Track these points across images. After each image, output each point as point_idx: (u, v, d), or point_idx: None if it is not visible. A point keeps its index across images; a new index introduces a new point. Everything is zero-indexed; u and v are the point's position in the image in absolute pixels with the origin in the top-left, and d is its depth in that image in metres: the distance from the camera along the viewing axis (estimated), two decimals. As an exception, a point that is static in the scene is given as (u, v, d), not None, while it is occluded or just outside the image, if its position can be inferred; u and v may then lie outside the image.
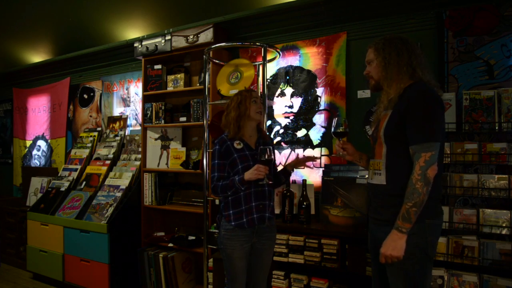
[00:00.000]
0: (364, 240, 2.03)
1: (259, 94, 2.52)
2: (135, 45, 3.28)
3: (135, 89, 3.78)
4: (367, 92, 2.55)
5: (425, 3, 2.37)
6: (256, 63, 2.75)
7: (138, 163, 3.35)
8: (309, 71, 2.79)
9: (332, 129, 1.75)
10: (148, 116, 3.23)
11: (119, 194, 3.14)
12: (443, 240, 1.99)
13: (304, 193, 2.44)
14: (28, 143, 4.90)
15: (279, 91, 2.92)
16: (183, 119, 3.09)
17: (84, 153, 3.78)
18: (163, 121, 3.16)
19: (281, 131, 2.89)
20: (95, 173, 3.47)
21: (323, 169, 2.57)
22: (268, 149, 1.78)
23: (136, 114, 3.78)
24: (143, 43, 3.22)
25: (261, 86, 2.53)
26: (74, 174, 3.63)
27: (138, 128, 3.69)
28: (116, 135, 3.72)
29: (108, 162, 3.50)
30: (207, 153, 2.61)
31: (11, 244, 3.99)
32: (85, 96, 4.23)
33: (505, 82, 2.13)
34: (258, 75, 2.75)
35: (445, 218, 1.99)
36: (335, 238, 2.24)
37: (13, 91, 5.07)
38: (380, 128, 1.54)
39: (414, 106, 1.42)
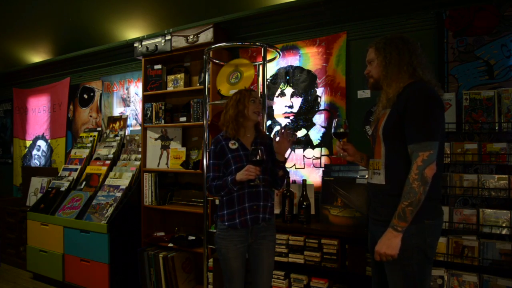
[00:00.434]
0: (364, 240, 2.02)
1: (259, 95, 2.52)
2: (135, 45, 3.28)
3: (135, 89, 3.78)
4: (367, 92, 2.55)
5: (425, 3, 2.37)
6: (256, 63, 2.75)
7: (138, 163, 3.35)
8: (309, 71, 2.79)
9: (332, 130, 1.75)
10: (148, 116, 3.23)
11: (119, 194, 3.14)
12: (443, 240, 1.99)
13: (304, 193, 2.44)
14: (28, 143, 4.90)
15: (279, 91, 2.92)
16: (183, 119, 3.09)
17: (84, 153, 3.78)
18: (163, 121, 3.16)
19: (281, 131, 2.89)
20: (95, 173, 3.47)
21: (323, 169, 2.57)
22: (259, 150, 1.76)
23: (136, 114, 3.78)
24: (143, 43, 3.22)
25: (261, 86, 2.53)
26: (74, 174, 3.63)
27: (138, 128, 3.69)
28: (116, 135, 3.72)
29: (108, 162, 3.50)
30: (207, 153, 2.60)
31: (11, 244, 3.99)
32: (85, 96, 4.23)
33: (505, 82, 2.13)
34: (258, 75, 2.75)
35: (445, 218, 1.99)
36: (335, 238, 2.24)
37: (13, 91, 5.07)
38: (379, 127, 1.54)
39: (413, 105, 1.42)
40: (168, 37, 3.09)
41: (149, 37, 3.26)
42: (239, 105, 1.91)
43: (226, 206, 1.91)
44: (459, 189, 2.02)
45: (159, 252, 3.03)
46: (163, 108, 3.16)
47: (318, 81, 2.75)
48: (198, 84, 3.24)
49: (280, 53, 2.65)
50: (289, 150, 2.83)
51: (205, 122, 2.64)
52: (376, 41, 1.60)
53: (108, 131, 3.82)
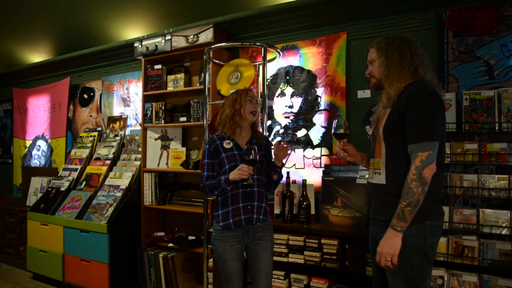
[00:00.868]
0: (364, 240, 2.03)
1: (259, 95, 2.52)
2: (135, 45, 3.28)
3: (135, 89, 3.78)
4: (367, 92, 2.55)
5: (425, 3, 2.37)
6: (256, 63, 2.75)
7: (138, 163, 3.35)
8: (309, 71, 2.79)
9: (333, 131, 1.75)
10: (148, 116, 3.23)
11: (119, 194, 3.15)
12: (443, 240, 1.99)
13: (304, 193, 2.44)
14: (28, 143, 4.90)
15: (279, 91, 2.92)
16: (183, 119, 3.09)
17: (84, 153, 3.78)
18: (163, 121, 3.16)
19: (281, 131, 2.89)
20: (95, 173, 3.47)
21: (323, 169, 2.57)
22: (252, 150, 1.76)
23: (136, 114, 3.78)
24: (143, 43, 3.22)
25: (261, 86, 2.53)
26: (74, 174, 3.63)
27: (138, 128, 3.69)
28: (116, 135, 3.72)
29: (108, 162, 3.50)
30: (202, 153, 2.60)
31: (11, 244, 3.99)
32: (85, 96, 4.23)
33: (505, 82, 2.13)
34: (258, 75, 2.75)
35: (445, 218, 1.99)
36: (335, 238, 2.24)
37: (13, 91, 5.07)
38: (379, 127, 1.54)
39: (413, 105, 1.41)
40: (168, 37, 3.09)
41: (149, 37, 3.26)
42: (236, 104, 1.91)
43: (220, 206, 1.92)
44: (459, 189, 2.02)
45: (159, 252, 3.03)
46: (163, 108, 3.16)
47: (318, 81, 2.75)
48: (198, 84, 3.24)
49: (280, 53, 2.65)
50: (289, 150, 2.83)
51: (205, 122, 2.64)
52: (377, 41, 1.59)
53: (108, 131, 3.82)
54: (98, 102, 4.10)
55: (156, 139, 3.32)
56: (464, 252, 1.95)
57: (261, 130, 2.27)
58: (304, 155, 2.78)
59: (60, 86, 4.49)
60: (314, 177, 2.70)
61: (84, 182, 3.48)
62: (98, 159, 3.62)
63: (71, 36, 4.17)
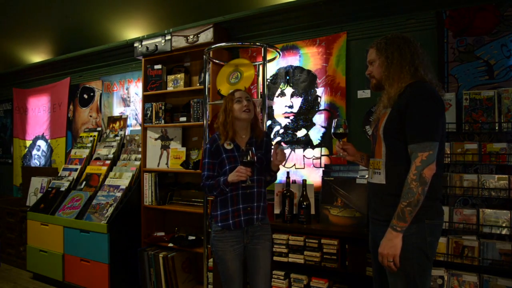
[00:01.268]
0: (364, 240, 2.03)
1: (260, 95, 2.52)
2: (135, 45, 3.28)
3: (135, 89, 3.78)
4: (367, 92, 2.55)
5: (425, 3, 2.37)
6: (256, 63, 2.75)
7: (138, 163, 3.35)
8: (309, 71, 2.79)
9: (332, 130, 1.75)
10: (148, 116, 3.23)
11: (119, 194, 3.15)
12: (443, 240, 1.99)
13: (304, 193, 2.44)
14: (28, 143, 4.90)
15: (279, 91, 2.92)
16: (183, 119, 3.09)
17: (84, 153, 3.78)
18: (163, 121, 3.16)
19: (281, 131, 2.89)
20: (95, 173, 3.47)
21: (323, 169, 2.57)
22: (250, 151, 1.76)
23: (136, 114, 3.78)
24: (143, 43, 3.22)
25: (261, 86, 2.53)
26: (74, 174, 3.63)
27: (138, 128, 3.69)
28: (116, 135, 3.72)
29: (108, 162, 3.50)
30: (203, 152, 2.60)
31: (11, 244, 3.99)
32: (85, 96, 4.23)
33: (505, 82, 2.13)
34: (258, 75, 2.75)
35: (445, 218, 1.99)
36: (335, 238, 2.24)
37: (13, 91, 5.07)
38: (379, 127, 1.54)
39: (413, 105, 1.41)
40: (168, 37, 3.09)
41: (149, 37, 3.26)
42: (226, 111, 1.94)
43: (220, 206, 1.91)
44: (459, 189, 2.02)
45: (159, 252, 3.03)
46: (163, 108, 3.16)
47: (318, 81, 2.75)
48: (198, 84, 3.24)
49: (280, 53, 2.65)
50: (289, 150, 2.83)
51: (205, 122, 2.64)
52: (377, 41, 1.59)
53: (108, 131, 3.82)
54: (98, 102, 4.10)
55: (156, 139, 3.32)
56: (464, 252, 1.95)
57: (261, 128, 2.23)
58: (304, 155, 2.78)
59: (60, 86, 4.49)
60: (314, 177, 2.70)
61: (84, 182, 3.48)
62: (98, 159, 3.62)
63: (71, 36, 4.17)
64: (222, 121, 1.94)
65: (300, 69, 2.83)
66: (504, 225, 1.89)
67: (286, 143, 2.86)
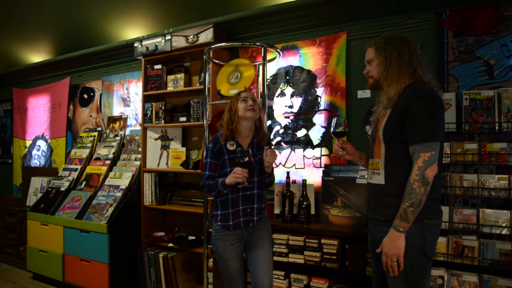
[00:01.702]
0: (364, 240, 2.02)
1: (260, 95, 2.52)
2: (135, 45, 3.28)
3: (135, 89, 3.78)
4: (367, 92, 2.55)
5: (425, 3, 2.37)
6: (256, 63, 2.75)
7: (138, 163, 3.35)
8: (309, 71, 2.79)
9: (332, 129, 1.75)
10: (148, 116, 3.23)
11: (119, 194, 3.14)
12: (443, 240, 1.99)
13: (304, 193, 2.44)
14: (28, 143, 4.90)
15: (279, 91, 2.92)
16: (183, 119, 3.09)
17: (84, 153, 3.78)
18: (163, 121, 3.16)
19: (281, 131, 2.89)
20: (95, 173, 3.47)
21: (323, 169, 2.57)
22: (247, 153, 1.76)
23: (136, 114, 3.78)
24: (143, 43, 3.22)
25: (261, 86, 2.53)
26: (74, 174, 3.63)
27: (138, 128, 3.69)
28: (116, 135, 3.72)
29: (108, 162, 3.50)
30: (205, 151, 2.60)
31: (11, 244, 3.99)
32: (85, 96, 4.23)
33: (505, 82, 2.13)
34: (258, 75, 2.75)
35: (445, 218, 1.99)
36: (335, 238, 2.24)
37: (13, 91, 5.07)
38: (379, 128, 1.54)
39: (414, 106, 1.42)
40: (168, 37, 3.09)
41: (149, 37, 3.26)
42: (231, 110, 1.95)
43: (220, 207, 1.92)
44: (459, 189, 2.02)
45: (159, 252, 3.03)
46: (163, 108, 3.16)
47: (318, 81, 2.75)
48: (198, 84, 3.24)
49: (280, 53, 2.65)
50: (289, 150, 2.83)
51: (205, 122, 2.64)
52: (375, 41, 1.59)
53: (108, 131, 3.82)
54: (98, 102, 4.10)
55: (156, 139, 3.32)
56: (464, 252, 1.95)
57: (265, 130, 2.22)
58: (304, 155, 2.78)
59: (60, 86, 4.49)
60: (314, 177, 2.70)
61: (84, 182, 3.48)
62: (98, 159, 3.62)
63: (71, 36, 4.17)
64: (226, 119, 1.94)
65: (300, 69, 2.83)
66: (504, 225, 1.89)
67: (286, 143, 2.86)
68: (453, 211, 2.01)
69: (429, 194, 1.40)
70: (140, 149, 3.39)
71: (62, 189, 3.51)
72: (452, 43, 2.28)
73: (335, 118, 1.75)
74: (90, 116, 4.19)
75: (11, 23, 4.13)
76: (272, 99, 2.93)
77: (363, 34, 2.59)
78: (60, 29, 4.14)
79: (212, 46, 2.59)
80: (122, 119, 3.77)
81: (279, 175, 2.77)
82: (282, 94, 2.90)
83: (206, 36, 2.89)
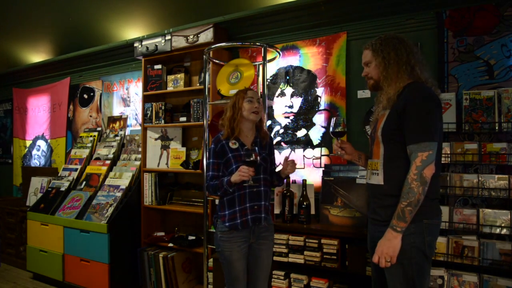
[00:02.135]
0: (364, 240, 2.02)
1: (259, 94, 2.52)
2: (135, 45, 3.28)
3: (135, 89, 3.78)
4: (367, 92, 2.55)
5: (425, 3, 2.37)
6: (256, 63, 2.75)
7: (138, 163, 3.35)
8: (309, 71, 2.79)
9: (331, 129, 1.75)
10: (148, 116, 3.23)
11: (119, 194, 3.15)
12: (443, 240, 1.99)
13: (304, 193, 2.44)
14: (28, 143, 4.90)
15: (279, 91, 2.92)
16: (183, 119, 3.09)
17: (84, 153, 3.78)
18: (163, 121, 3.16)
19: (281, 131, 2.89)
20: (95, 173, 3.47)
21: (323, 169, 2.57)
22: (253, 151, 1.77)
23: (136, 114, 3.78)
24: (143, 43, 3.22)
25: (261, 86, 2.53)
26: (74, 174, 3.63)
27: (138, 128, 3.69)
28: (116, 135, 3.72)
29: (108, 162, 3.50)
30: (207, 153, 2.60)
31: (11, 244, 3.99)
32: (85, 96, 4.23)
33: (505, 82, 2.13)
34: (258, 75, 2.75)
35: (445, 218, 1.99)
36: (335, 238, 2.24)
37: (13, 91, 5.07)
38: (378, 128, 1.54)
39: (411, 106, 1.42)
40: (168, 37, 3.09)
41: (149, 37, 3.26)
42: (235, 107, 1.92)
43: (227, 206, 1.90)
44: (459, 189, 2.02)
45: (159, 252, 3.03)
46: (163, 108, 3.16)
47: (318, 81, 2.75)
48: (198, 84, 3.24)
49: (280, 53, 2.65)
50: (289, 150, 2.83)
51: (205, 122, 2.64)
52: (371, 42, 1.60)
53: (108, 131, 3.82)
54: (98, 102, 4.10)
55: (156, 139, 3.32)
56: (464, 252, 1.95)
57: (266, 130, 2.25)
58: (304, 155, 2.78)
59: (60, 86, 4.49)
60: (314, 177, 2.70)
61: (84, 182, 3.48)
62: (98, 159, 3.62)
63: (71, 36, 4.17)
64: (229, 116, 1.92)
65: (300, 69, 2.83)
66: (504, 225, 1.89)
67: (286, 143, 2.86)
68: (453, 211, 2.01)
69: (428, 194, 1.40)
70: (140, 149, 3.39)
71: (62, 189, 3.51)
72: (452, 43, 2.28)
73: (334, 118, 1.75)
74: (90, 116, 4.19)
75: (11, 23, 4.13)
76: (272, 99, 2.93)
77: (363, 34, 2.59)
78: (60, 29, 4.14)
79: (212, 46, 2.59)
80: (122, 119, 3.77)
81: (279, 175, 2.77)
82: (282, 94, 2.90)
83: (206, 36, 2.89)
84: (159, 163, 3.27)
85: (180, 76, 3.15)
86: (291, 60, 2.87)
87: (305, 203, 2.40)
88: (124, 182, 3.22)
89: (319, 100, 2.74)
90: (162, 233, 3.18)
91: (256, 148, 1.80)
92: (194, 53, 3.09)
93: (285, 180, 2.52)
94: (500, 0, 2.16)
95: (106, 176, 3.39)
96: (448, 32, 2.29)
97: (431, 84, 1.50)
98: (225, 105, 2.02)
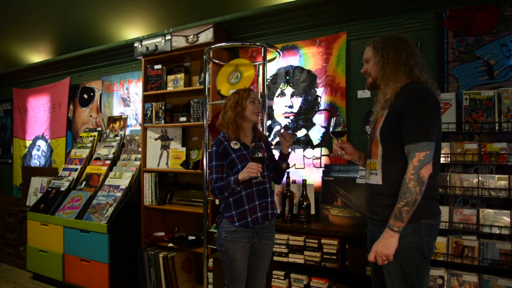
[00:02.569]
0: (364, 240, 2.02)
1: (260, 95, 2.52)
2: (135, 45, 3.28)
3: (135, 89, 3.78)
4: (367, 92, 2.55)
5: (425, 3, 2.37)
6: (256, 63, 2.75)
7: (138, 163, 3.35)
8: (309, 71, 2.79)
9: (331, 129, 1.75)
10: (148, 116, 3.23)
11: (119, 194, 3.15)
12: (443, 240, 1.99)
13: (304, 193, 2.44)
14: (28, 143, 4.90)
15: (279, 91, 2.92)
16: (183, 119, 3.09)
17: (84, 153, 3.78)
18: (163, 121, 3.16)
19: (281, 131, 2.89)
20: (95, 173, 3.47)
21: (323, 169, 2.57)
22: (260, 147, 1.77)
23: (136, 114, 3.78)
24: (143, 43, 3.22)
25: (261, 86, 2.53)
26: (74, 174, 3.63)
27: (138, 128, 3.69)
28: (116, 135, 3.72)
29: (108, 162, 3.50)
30: (207, 153, 2.60)
31: (11, 244, 3.99)
32: (85, 96, 4.23)
33: (505, 82, 2.13)
34: (258, 75, 2.75)
35: (445, 218, 1.99)
36: (335, 238, 2.24)
37: (13, 91, 5.07)
38: (377, 128, 1.54)
39: (409, 105, 1.42)
40: (168, 37, 3.09)
41: (149, 37, 3.26)
42: (238, 107, 1.91)
43: (234, 206, 1.90)
44: (459, 189, 2.02)
45: (159, 252, 3.03)
46: (163, 108, 3.16)
47: (318, 81, 2.75)
48: (198, 84, 3.24)
49: (280, 53, 2.65)
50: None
51: (205, 122, 2.64)
52: (374, 40, 1.59)
53: (108, 131, 3.82)
54: (98, 102, 4.10)
55: (156, 139, 3.32)
56: (464, 252, 1.95)
57: (261, 129, 2.29)
58: (304, 155, 2.78)
59: (60, 86, 4.49)
60: (314, 177, 2.70)
61: (84, 182, 3.48)
62: (98, 159, 3.62)
63: (71, 36, 4.17)
64: (232, 116, 1.91)
65: (300, 69, 2.83)
66: (504, 225, 1.89)
67: (285, 129, 2.86)
68: (453, 211, 2.01)
69: (426, 194, 1.40)
70: (140, 149, 3.39)
71: (62, 189, 3.51)
72: (452, 43, 2.28)
73: (334, 118, 1.75)
74: (90, 116, 4.19)
75: (11, 23, 4.13)
76: (272, 99, 2.93)
77: (363, 34, 2.59)
78: (60, 29, 4.14)
79: (212, 46, 2.59)
80: (122, 119, 3.77)
81: (279, 175, 2.77)
82: (282, 94, 2.90)
83: (206, 36, 2.89)
84: (159, 163, 3.27)
85: (180, 76, 3.15)
86: (291, 60, 2.87)
87: (305, 203, 2.40)
88: (124, 182, 3.22)
89: (319, 100, 2.74)
90: (162, 233, 3.18)
91: (262, 144, 1.80)
92: (194, 53, 3.09)
93: (285, 180, 2.53)
94: (500, 0, 2.16)
95: (106, 176, 3.39)
96: (448, 32, 2.29)
97: (431, 85, 1.50)
98: (223, 105, 2.01)
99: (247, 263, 1.94)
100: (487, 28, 2.19)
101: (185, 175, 3.34)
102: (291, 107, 2.86)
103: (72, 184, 3.56)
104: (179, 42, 3.04)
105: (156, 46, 3.15)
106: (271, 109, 2.93)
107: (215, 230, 2.51)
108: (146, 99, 3.28)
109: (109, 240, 2.94)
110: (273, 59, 2.75)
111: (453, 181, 2.03)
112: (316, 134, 2.75)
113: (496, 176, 1.95)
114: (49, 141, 4.63)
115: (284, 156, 2.05)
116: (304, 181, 2.48)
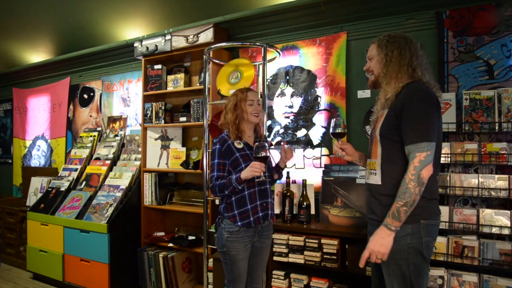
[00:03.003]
0: (364, 240, 2.02)
1: (259, 95, 2.52)
2: (135, 45, 3.28)
3: (135, 89, 3.78)
4: (367, 92, 2.55)
5: (425, 3, 2.37)
6: (256, 63, 2.75)
7: (138, 163, 3.35)
8: (309, 71, 2.79)
9: (331, 130, 1.75)
10: (148, 116, 3.23)
11: (119, 194, 3.14)
12: (443, 240, 1.99)
13: (304, 193, 2.44)
14: (28, 143, 4.90)
15: (279, 91, 2.92)
16: (183, 119, 3.09)
17: (84, 153, 3.78)
18: (163, 121, 3.16)
19: (281, 131, 2.89)
20: (95, 173, 3.47)
21: (323, 169, 2.57)
22: (264, 147, 1.78)
23: (136, 114, 3.78)
24: (143, 43, 3.22)
25: (261, 86, 2.53)
26: (74, 174, 3.63)
27: (138, 128, 3.69)
28: (116, 135, 3.72)
29: (108, 162, 3.50)
30: (207, 153, 2.60)
31: (11, 244, 3.99)
32: (85, 96, 4.23)
33: (505, 82, 2.13)
34: (258, 75, 2.75)
35: (445, 218, 1.99)
36: (335, 238, 2.24)
37: (13, 91, 5.07)
38: (376, 128, 1.54)
39: (409, 106, 1.41)
40: (168, 37, 3.09)
41: (149, 37, 3.26)
42: (237, 109, 1.93)
43: (236, 206, 1.90)
44: (459, 189, 2.02)
45: (159, 252, 3.03)
46: (163, 108, 3.16)
47: (318, 81, 2.75)
48: (198, 84, 3.24)
49: (280, 53, 2.65)
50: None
51: (205, 122, 2.64)
52: (379, 38, 1.59)
53: (108, 131, 3.82)
54: (98, 102, 4.10)
55: (156, 139, 3.32)
56: (464, 252, 1.95)
57: (262, 130, 2.28)
58: (304, 155, 2.78)
59: (60, 86, 4.49)
60: (314, 177, 2.70)
61: (84, 182, 3.48)
62: (98, 159, 3.62)
63: (71, 36, 4.17)
64: (232, 119, 1.93)
65: (300, 69, 2.83)
66: (504, 225, 1.89)
67: (286, 143, 2.86)
68: (453, 211, 2.01)
69: (426, 194, 1.40)
70: (140, 149, 3.39)
71: (62, 189, 3.51)
72: (452, 43, 2.28)
73: (334, 119, 1.75)
74: (90, 116, 4.19)
75: (11, 23, 4.13)
76: (272, 99, 2.93)
77: (363, 34, 2.59)
78: (60, 29, 4.14)
79: (212, 46, 2.59)
80: (122, 119, 3.77)
81: (279, 175, 2.77)
82: (282, 94, 2.90)
83: (206, 36, 2.89)
84: (159, 163, 3.27)
85: (180, 76, 3.15)
86: (291, 60, 2.87)
87: (305, 203, 2.40)
88: (124, 182, 3.22)
89: (319, 100, 2.74)
90: (162, 233, 3.18)
91: (266, 144, 1.80)
92: (194, 53, 3.09)
93: (285, 180, 2.53)
94: (500, 0, 2.16)
95: (106, 176, 3.39)
96: (448, 32, 2.29)
97: (433, 86, 1.49)
98: (224, 105, 2.02)
99: (247, 262, 1.95)
100: (487, 28, 2.19)
101: (185, 175, 3.34)
102: (291, 107, 2.86)
103: (72, 184, 3.56)
104: (179, 42, 3.04)
105: (156, 46, 3.15)
106: (271, 109, 2.93)
107: (215, 230, 2.50)
108: (146, 99, 3.28)
109: (109, 240, 2.94)
110: (273, 59, 2.75)
111: (453, 181, 2.03)
112: (316, 134, 2.75)
113: (496, 176, 1.95)
114: (49, 141, 4.63)
115: (279, 168, 2.05)
116: (304, 181, 2.48)
